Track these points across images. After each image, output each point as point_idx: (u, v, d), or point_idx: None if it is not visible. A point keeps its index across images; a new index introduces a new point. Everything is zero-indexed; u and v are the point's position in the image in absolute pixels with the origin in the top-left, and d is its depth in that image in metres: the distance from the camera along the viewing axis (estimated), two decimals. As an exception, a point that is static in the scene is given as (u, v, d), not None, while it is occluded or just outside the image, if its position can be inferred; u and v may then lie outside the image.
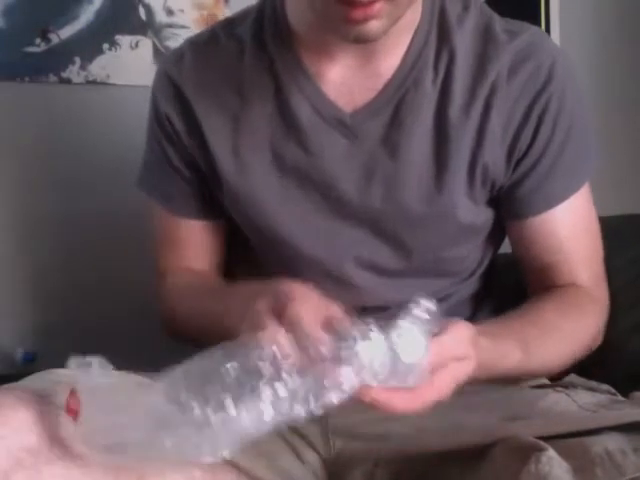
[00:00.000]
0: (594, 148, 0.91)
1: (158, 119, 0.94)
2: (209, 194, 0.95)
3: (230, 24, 0.95)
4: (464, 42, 0.86)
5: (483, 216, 0.91)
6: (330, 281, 0.91)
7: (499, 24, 0.88)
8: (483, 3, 0.92)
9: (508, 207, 0.90)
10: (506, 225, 0.93)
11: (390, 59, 0.86)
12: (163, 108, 0.93)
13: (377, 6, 0.72)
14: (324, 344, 0.61)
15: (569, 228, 0.90)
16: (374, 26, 0.74)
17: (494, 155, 0.86)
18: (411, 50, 0.86)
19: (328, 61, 0.87)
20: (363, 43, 0.78)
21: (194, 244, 0.99)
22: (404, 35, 0.86)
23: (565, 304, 0.88)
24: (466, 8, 0.88)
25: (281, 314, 0.64)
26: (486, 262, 0.97)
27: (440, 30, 0.87)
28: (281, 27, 0.89)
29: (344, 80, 0.87)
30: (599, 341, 0.90)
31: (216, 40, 0.93)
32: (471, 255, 0.94)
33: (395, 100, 0.86)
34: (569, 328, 0.86)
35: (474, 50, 0.86)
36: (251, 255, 0.98)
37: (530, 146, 0.86)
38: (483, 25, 0.87)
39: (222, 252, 1.02)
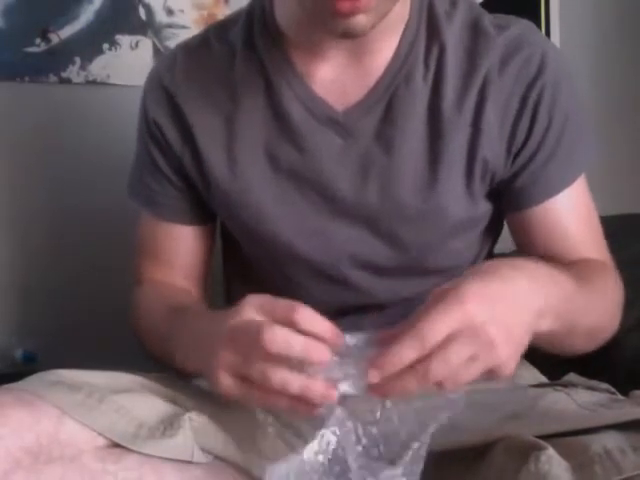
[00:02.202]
0: (591, 139, 0.92)
1: (147, 125, 0.94)
2: (198, 199, 0.95)
3: (222, 27, 0.95)
4: (454, 37, 0.87)
5: (480, 210, 0.91)
6: (326, 281, 0.91)
7: (488, 19, 0.88)
8: (472, 0, 0.92)
9: (508, 199, 0.90)
10: (507, 218, 0.93)
11: (380, 56, 0.86)
12: (152, 114, 0.93)
13: (364, 0, 0.72)
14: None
15: (570, 215, 0.90)
16: (362, 20, 0.74)
17: (493, 149, 0.86)
18: (401, 46, 0.87)
19: (318, 60, 0.87)
20: (351, 38, 0.77)
21: (179, 252, 0.98)
22: (393, 32, 0.86)
23: (587, 268, 0.87)
24: (454, 4, 0.89)
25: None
26: (483, 256, 0.97)
27: (429, 26, 0.87)
28: (270, 27, 0.89)
29: (335, 78, 0.87)
30: (619, 318, 0.88)
31: (208, 44, 0.93)
32: (468, 249, 0.94)
33: (387, 96, 0.86)
34: (598, 278, 0.85)
35: (464, 45, 0.87)
36: (245, 259, 0.98)
37: (527, 137, 0.86)
38: (472, 20, 0.88)
39: (207, 261, 1.01)
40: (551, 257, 0.89)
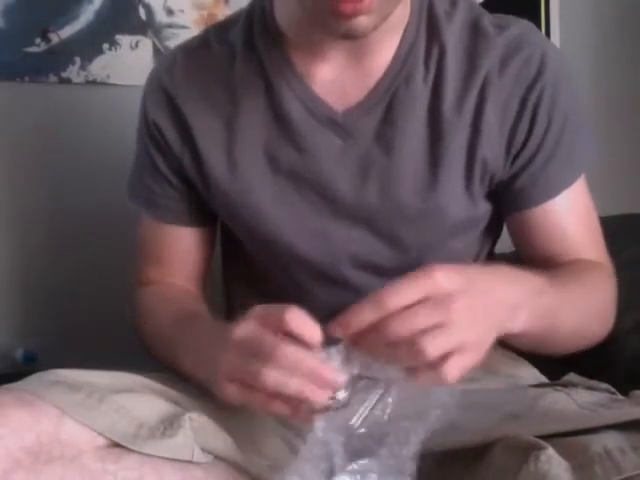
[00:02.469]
0: (591, 140, 0.92)
1: (147, 127, 0.94)
2: (197, 200, 0.95)
3: (221, 28, 0.95)
4: (454, 38, 0.86)
5: (480, 210, 0.91)
6: (326, 281, 0.91)
7: (488, 19, 0.88)
8: (472, 0, 0.92)
9: (507, 200, 0.90)
10: (507, 219, 0.93)
11: (380, 57, 0.86)
12: (152, 116, 0.93)
13: (367, 1, 0.72)
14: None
15: (570, 216, 0.90)
16: (363, 21, 0.74)
17: (493, 149, 0.86)
18: (401, 47, 0.86)
19: (318, 60, 0.87)
20: (352, 39, 0.77)
21: (179, 254, 0.98)
22: (394, 33, 0.86)
23: (577, 268, 0.87)
24: (454, 4, 0.89)
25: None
26: (483, 256, 0.97)
27: (429, 27, 0.87)
28: (270, 28, 0.89)
29: (335, 79, 0.87)
30: (612, 318, 0.89)
31: (208, 45, 0.93)
32: (468, 249, 0.94)
33: (387, 98, 0.86)
34: (589, 280, 0.85)
35: (464, 45, 0.86)
36: (247, 259, 0.98)
37: (527, 138, 0.86)
38: (472, 20, 0.88)
39: (207, 262, 1.01)
40: (549, 258, 0.89)
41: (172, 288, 0.98)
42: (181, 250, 0.98)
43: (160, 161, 0.94)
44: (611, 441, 0.62)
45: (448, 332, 0.62)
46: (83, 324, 1.43)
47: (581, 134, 0.90)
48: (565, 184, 0.89)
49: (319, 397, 0.63)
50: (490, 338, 0.66)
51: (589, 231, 0.91)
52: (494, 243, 0.99)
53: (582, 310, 0.82)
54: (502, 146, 0.86)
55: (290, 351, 0.63)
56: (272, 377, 0.63)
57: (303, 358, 0.63)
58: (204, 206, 0.95)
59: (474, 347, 0.64)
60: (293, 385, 0.63)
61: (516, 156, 0.87)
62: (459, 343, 0.63)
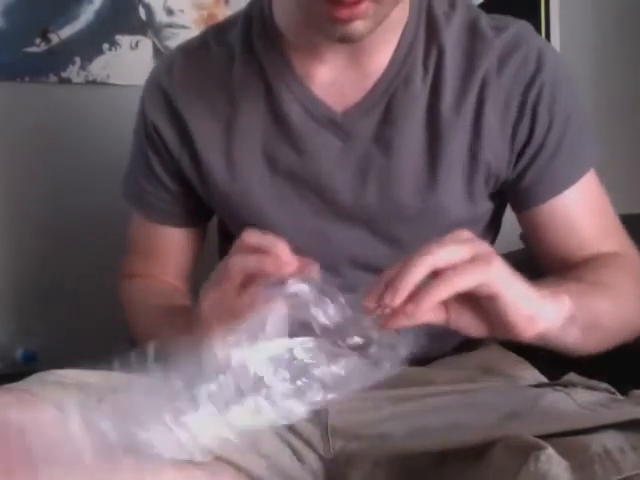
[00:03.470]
0: (593, 138, 0.91)
1: (145, 128, 0.94)
2: (191, 202, 0.96)
3: (220, 30, 0.95)
4: (452, 39, 0.87)
5: (480, 209, 0.91)
6: (326, 282, 0.91)
7: (485, 20, 0.88)
8: (470, 1, 0.92)
9: (514, 199, 0.90)
10: (517, 217, 0.93)
11: (379, 58, 0.86)
12: (151, 117, 0.93)
13: (362, 6, 0.72)
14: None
15: (579, 211, 0.89)
16: (359, 26, 0.74)
17: (494, 150, 0.86)
18: (400, 48, 0.86)
19: (317, 62, 0.87)
20: (348, 43, 0.78)
21: (169, 253, 0.99)
22: (392, 34, 0.86)
23: (600, 264, 0.87)
24: (452, 6, 0.89)
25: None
26: None
27: (428, 28, 0.87)
28: (268, 29, 0.89)
29: (334, 80, 0.87)
30: None
31: (206, 46, 0.93)
32: None
33: (386, 98, 0.86)
34: (614, 278, 0.85)
35: (462, 47, 0.86)
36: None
37: (529, 137, 0.86)
38: (470, 22, 0.88)
39: (195, 261, 1.02)
40: (564, 256, 0.89)
41: (161, 285, 0.99)
42: (171, 250, 0.99)
43: (155, 163, 0.94)
44: (611, 441, 0.62)
45: (473, 269, 0.67)
46: (83, 324, 1.43)
47: (584, 133, 0.90)
48: (571, 180, 0.88)
49: (279, 268, 0.68)
50: (540, 310, 0.69)
51: (602, 224, 0.90)
52: (493, 242, 0.99)
53: (623, 312, 0.83)
54: (504, 146, 0.86)
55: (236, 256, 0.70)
56: (238, 260, 0.69)
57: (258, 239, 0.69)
58: (196, 208, 0.96)
59: (498, 277, 0.67)
60: (253, 261, 0.68)
61: (519, 155, 0.87)
62: (486, 278, 0.66)
